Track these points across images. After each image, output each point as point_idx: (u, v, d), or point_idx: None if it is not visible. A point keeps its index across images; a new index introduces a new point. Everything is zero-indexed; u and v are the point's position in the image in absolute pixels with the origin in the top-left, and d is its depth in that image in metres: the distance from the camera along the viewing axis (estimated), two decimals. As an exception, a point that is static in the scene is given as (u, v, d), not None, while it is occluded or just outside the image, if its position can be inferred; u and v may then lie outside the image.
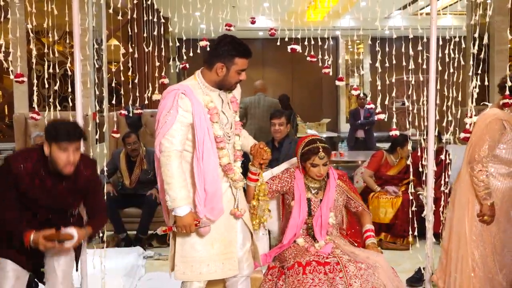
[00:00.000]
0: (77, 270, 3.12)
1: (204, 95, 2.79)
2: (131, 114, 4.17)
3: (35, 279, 3.21)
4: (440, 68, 3.37)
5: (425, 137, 3.45)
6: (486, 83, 3.48)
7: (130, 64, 3.99)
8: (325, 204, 3.22)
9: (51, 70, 3.57)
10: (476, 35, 3.38)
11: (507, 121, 3.24)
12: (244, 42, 2.83)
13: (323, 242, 3.15)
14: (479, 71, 3.36)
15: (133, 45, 3.89)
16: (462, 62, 3.47)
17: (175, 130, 2.68)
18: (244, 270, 2.94)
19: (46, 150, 2.72)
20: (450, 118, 3.45)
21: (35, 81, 3.54)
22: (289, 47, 3.67)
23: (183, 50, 2.90)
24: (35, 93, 3.48)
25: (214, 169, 2.75)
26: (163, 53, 4.18)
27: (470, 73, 3.43)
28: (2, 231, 2.80)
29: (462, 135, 3.30)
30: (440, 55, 3.37)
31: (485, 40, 3.53)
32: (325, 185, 3.28)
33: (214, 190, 2.74)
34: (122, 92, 4.04)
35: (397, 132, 3.51)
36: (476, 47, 3.38)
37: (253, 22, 3.90)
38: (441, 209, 3.47)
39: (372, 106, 3.64)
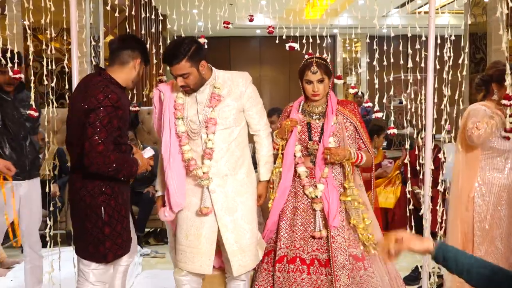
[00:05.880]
0: None
1: (180, 91, 2.85)
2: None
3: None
4: (438, 66, 3.37)
5: (422, 136, 3.45)
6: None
7: (127, 62, 3.96)
8: (326, 127, 3.01)
9: (48, 67, 3.56)
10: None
11: (489, 109, 3.25)
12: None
13: (322, 185, 2.96)
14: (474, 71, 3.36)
15: (130, 42, 3.87)
16: (466, 61, 3.47)
17: (155, 125, 2.96)
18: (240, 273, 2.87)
19: (137, 67, 2.72)
20: (446, 117, 3.45)
21: (32, 78, 3.52)
22: (287, 45, 3.66)
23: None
24: (32, 90, 3.47)
25: (174, 163, 2.80)
26: (160, 51, 4.17)
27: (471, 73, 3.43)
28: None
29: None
30: (438, 53, 3.37)
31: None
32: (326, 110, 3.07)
33: (173, 183, 2.79)
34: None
35: (395, 131, 3.50)
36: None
37: (251, 20, 3.89)
38: (437, 207, 3.48)
39: (370, 104, 3.63)
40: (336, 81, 3.35)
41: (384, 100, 3.69)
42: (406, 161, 3.61)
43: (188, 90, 2.79)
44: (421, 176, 3.46)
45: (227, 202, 2.82)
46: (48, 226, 3.55)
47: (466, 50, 3.42)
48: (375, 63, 3.55)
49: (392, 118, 3.48)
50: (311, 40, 3.77)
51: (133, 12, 3.85)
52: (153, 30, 3.95)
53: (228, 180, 2.84)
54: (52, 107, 3.50)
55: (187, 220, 2.84)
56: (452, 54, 3.45)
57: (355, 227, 2.96)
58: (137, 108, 3.93)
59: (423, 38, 3.41)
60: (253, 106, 2.92)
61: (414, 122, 3.55)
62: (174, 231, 2.98)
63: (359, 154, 3.02)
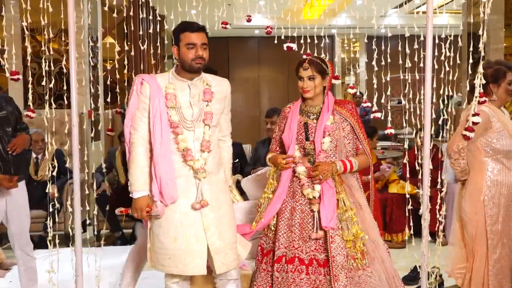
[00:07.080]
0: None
1: (169, 82, 2.83)
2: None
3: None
4: (436, 66, 3.37)
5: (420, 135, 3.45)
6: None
7: (125, 62, 3.96)
8: (319, 127, 3.01)
9: (46, 68, 3.56)
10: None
11: (493, 111, 3.23)
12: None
13: (319, 186, 2.96)
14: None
15: (128, 43, 3.87)
16: (458, 61, 3.47)
17: (138, 117, 2.79)
18: (227, 273, 2.87)
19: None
20: (446, 117, 3.45)
21: (30, 78, 3.52)
22: (285, 45, 3.66)
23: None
24: (30, 91, 3.47)
25: (166, 153, 2.75)
26: (158, 51, 4.16)
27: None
28: None
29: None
30: (436, 53, 3.37)
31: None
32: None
33: (165, 174, 2.73)
34: (117, 90, 4.01)
35: (392, 131, 3.50)
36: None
37: (249, 20, 3.89)
38: (437, 207, 3.47)
39: (369, 104, 3.63)
40: (334, 81, 3.35)
41: (382, 100, 3.69)
42: (404, 161, 3.60)
43: (200, 64, 2.80)
44: (419, 176, 3.46)
45: (213, 200, 2.82)
46: (49, 227, 3.54)
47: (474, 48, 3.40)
48: (373, 63, 3.55)
49: (390, 118, 3.47)
50: (309, 40, 3.77)
51: (131, 13, 3.85)
52: (151, 30, 3.95)
53: (213, 178, 2.85)
54: (50, 108, 3.49)
55: (175, 222, 2.78)
56: (452, 54, 3.45)
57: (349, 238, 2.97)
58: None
59: (421, 38, 3.41)
60: (229, 111, 3.03)
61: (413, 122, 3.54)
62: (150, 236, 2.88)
63: (347, 163, 2.99)
